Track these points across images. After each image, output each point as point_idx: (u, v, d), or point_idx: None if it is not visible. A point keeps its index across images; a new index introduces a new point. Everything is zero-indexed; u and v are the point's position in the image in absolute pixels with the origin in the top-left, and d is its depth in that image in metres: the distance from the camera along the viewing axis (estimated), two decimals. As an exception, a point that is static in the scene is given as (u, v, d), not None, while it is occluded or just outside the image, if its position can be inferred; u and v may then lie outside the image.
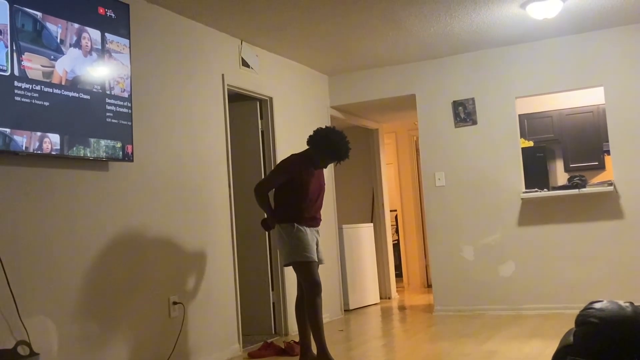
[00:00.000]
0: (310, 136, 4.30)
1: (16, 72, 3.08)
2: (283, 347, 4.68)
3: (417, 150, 7.69)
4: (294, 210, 4.17)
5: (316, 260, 4.18)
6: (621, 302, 1.98)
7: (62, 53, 3.34)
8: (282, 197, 4.22)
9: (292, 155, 4.34)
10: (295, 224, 4.14)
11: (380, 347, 4.85)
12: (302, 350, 4.26)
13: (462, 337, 4.87)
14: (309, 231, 4.18)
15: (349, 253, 6.77)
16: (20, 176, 3.24)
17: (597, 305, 1.98)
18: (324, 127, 4.37)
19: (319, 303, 4.11)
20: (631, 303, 1.98)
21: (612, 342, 1.86)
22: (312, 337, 4.19)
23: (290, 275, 5.51)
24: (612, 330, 1.87)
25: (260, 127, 5.57)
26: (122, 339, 3.75)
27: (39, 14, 3.22)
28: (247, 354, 4.69)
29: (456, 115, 6.14)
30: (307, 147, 4.30)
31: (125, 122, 3.73)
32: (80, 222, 3.56)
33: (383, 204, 7.69)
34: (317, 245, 4.25)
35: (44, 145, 3.22)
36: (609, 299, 2.04)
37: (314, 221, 4.26)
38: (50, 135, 3.25)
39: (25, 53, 3.13)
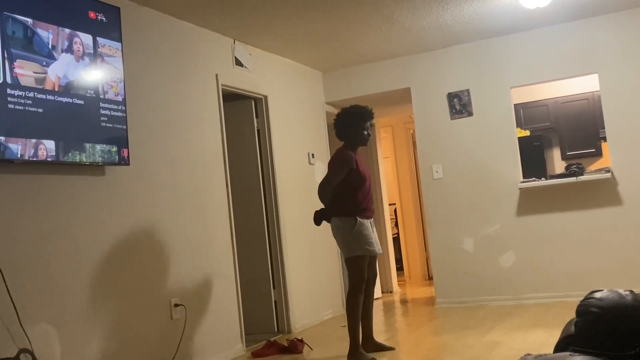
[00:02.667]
0: (336, 127, 4.38)
1: (8, 80, 3.07)
2: (286, 345, 4.68)
3: (414, 143, 7.69)
4: (354, 203, 4.20)
5: (377, 252, 4.27)
6: (621, 291, 1.98)
7: (54, 59, 3.33)
8: (340, 191, 4.21)
9: (340, 150, 4.34)
10: (358, 218, 4.18)
11: (384, 342, 4.85)
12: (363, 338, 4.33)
13: (465, 329, 4.88)
14: (367, 223, 4.24)
15: (349, 248, 6.75)
16: (16, 184, 3.23)
17: (598, 295, 1.98)
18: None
19: (359, 300, 4.19)
20: (631, 291, 1.98)
21: (613, 331, 1.86)
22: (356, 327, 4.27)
23: (291, 273, 5.52)
24: (613, 320, 1.87)
25: (256, 125, 5.56)
26: (124, 344, 3.75)
27: (29, 20, 3.21)
28: (251, 353, 4.69)
29: (452, 107, 6.13)
30: (338, 143, 4.40)
31: (120, 126, 3.72)
32: (79, 227, 3.55)
33: (382, 198, 7.68)
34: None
35: (39, 152, 3.21)
36: (609, 288, 2.04)
37: (371, 212, 4.32)
38: (45, 141, 3.24)
39: (17, 60, 3.12)
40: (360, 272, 4.19)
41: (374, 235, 4.29)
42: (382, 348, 4.40)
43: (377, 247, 4.31)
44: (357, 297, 4.19)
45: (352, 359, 4.15)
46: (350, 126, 4.33)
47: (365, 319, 4.36)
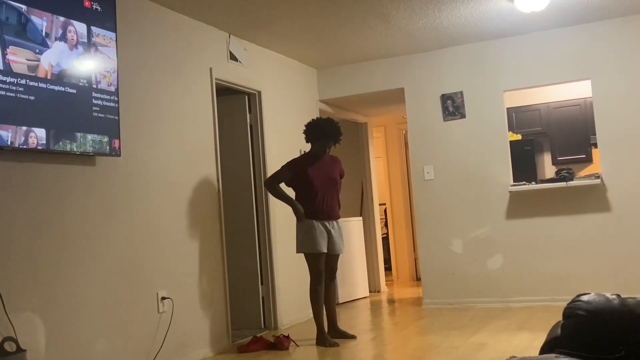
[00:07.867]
0: (305, 133, 4.81)
1: (1, 66, 3.05)
2: (272, 341, 4.68)
3: (406, 143, 7.70)
4: (302, 206, 4.67)
5: (321, 251, 4.64)
6: (608, 295, 1.99)
7: (48, 47, 3.31)
8: (295, 194, 4.78)
9: (302, 155, 4.92)
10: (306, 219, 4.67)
11: (370, 341, 4.86)
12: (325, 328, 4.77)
13: (451, 330, 4.89)
14: (317, 224, 4.65)
15: (338, 247, 6.75)
16: (5, 171, 3.21)
17: (585, 298, 1.98)
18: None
19: (319, 290, 4.69)
20: (618, 295, 1.99)
21: (599, 334, 1.87)
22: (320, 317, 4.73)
23: (279, 270, 5.51)
24: (599, 323, 1.87)
25: (248, 121, 5.55)
26: (110, 335, 3.73)
27: (23, 7, 3.18)
28: (237, 348, 4.68)
29: (445, 108, 6.14)
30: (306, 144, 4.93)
31: (112, 117, 3.70)
32: (67, 216, 3.53)
33: (372, 198, 7.69)
34: (330, 236, 4.70)
35: (30, 140, 3.19)
36: (596, 292, 2.04)
37: (324, 214, 4.70)
38: (36, 129, 3.22)
39: (10, 47, 3.10)
40: (312, 266, 4.68)
41: (320, 235, 4.64)
42: (344, 335, 4.80)
43: (333, 247, 4.71)
44: (315, 288, 4.68)
45: (319, 343, 4.64)
46: (316, 140, 4.76)
47: (327, 310, 4.82)
